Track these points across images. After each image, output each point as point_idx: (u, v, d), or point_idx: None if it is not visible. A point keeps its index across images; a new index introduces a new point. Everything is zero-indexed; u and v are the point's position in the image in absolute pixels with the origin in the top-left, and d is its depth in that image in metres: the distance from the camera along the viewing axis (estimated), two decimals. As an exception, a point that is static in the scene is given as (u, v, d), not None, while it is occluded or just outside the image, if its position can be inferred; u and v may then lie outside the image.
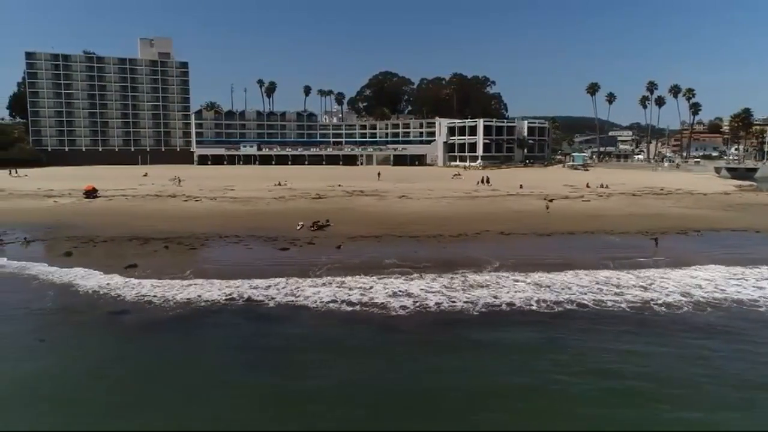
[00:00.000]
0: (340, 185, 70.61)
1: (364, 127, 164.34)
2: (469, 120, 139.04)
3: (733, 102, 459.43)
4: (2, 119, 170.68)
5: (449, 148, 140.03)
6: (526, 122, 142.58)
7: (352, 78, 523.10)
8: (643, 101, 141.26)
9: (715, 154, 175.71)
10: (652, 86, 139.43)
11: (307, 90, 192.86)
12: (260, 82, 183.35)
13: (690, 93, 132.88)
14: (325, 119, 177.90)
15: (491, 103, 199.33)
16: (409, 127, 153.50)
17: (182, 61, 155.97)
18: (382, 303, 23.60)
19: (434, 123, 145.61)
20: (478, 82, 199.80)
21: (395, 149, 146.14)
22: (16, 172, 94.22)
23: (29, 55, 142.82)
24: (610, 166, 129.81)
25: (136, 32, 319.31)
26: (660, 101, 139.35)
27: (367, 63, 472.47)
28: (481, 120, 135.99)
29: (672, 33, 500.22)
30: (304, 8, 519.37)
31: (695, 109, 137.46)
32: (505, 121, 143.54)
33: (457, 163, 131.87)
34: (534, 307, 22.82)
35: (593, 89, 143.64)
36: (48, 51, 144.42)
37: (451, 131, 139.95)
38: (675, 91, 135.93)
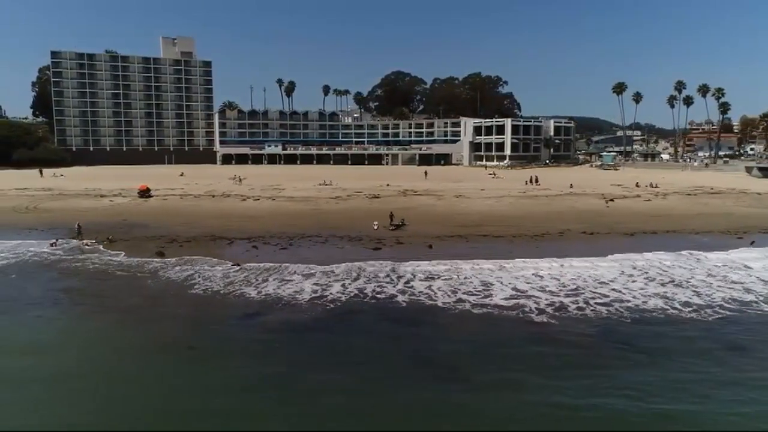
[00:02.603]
0: (388, 184, 70.00)
1: (386, 126, 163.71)
2: (496, 119, 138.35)
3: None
4: (25, 118, 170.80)
5: (475, 147, 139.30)
6: (552, 121, 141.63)
7: (364, 78, 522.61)
8: (671, 100, 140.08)
9: (731, 152, 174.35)
10: (680, 86, 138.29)
11: (326, 90, 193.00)
12: (279, 82, 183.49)
13: (719, 92, 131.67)
14: (344, 119, 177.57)
15: (504, 103, 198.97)
16: (433, 127, 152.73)
17: (205, 60, 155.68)
18: (514, 304, 23.03)
19: (459, 122, 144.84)
20: (490, 81, 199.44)
21: (420, 149, 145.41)
22: (41, 174, 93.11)
23: (54, 54, 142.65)
24: (637, 166, 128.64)
25: (152, 32, 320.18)
26: (688, 101, 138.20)
27: (377, 63, 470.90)
28: (509, 120, 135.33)
29: (668, 32, 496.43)
30: (315, 9, 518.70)
31: (724, 108, 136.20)
32: (532, 120, 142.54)
33: (484, 162, 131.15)
34: (681, 309, 22.21)
35: (620, 89, 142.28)
36: (72, 50, 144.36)
37: (477, 131, 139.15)
38: (704, 90, 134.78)
